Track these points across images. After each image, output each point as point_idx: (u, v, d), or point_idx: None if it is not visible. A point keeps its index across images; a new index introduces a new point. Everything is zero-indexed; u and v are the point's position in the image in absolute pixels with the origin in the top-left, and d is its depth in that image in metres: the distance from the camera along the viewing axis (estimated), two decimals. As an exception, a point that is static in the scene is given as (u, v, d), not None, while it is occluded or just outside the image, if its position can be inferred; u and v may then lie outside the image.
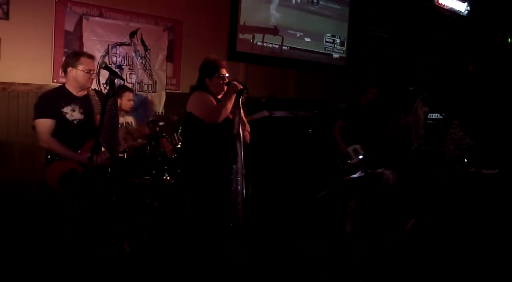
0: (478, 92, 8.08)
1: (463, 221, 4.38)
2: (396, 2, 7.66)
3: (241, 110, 3.28)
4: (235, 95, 3.25)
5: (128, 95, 4.17)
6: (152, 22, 4.95)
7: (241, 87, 3.26)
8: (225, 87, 3.37)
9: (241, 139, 3.25)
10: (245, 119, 3.41)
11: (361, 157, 4.53)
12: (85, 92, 3.39)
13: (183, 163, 3.52)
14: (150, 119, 3.90)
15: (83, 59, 3.29)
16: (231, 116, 3.31)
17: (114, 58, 4.66)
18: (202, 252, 3.27)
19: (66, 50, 4.31)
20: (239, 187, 3.17)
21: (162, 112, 4.62)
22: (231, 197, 3.18)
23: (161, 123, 4.27)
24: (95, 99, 3.43)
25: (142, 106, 4.87)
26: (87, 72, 3.29)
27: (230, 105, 3.22)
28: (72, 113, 3.29)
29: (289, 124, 5.78)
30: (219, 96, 3.38)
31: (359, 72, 7.38)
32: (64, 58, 3.70)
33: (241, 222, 3.20)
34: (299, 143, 5.81)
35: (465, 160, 4.95)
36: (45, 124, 3.20)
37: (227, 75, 3.40)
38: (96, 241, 3.13)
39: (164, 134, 4.20)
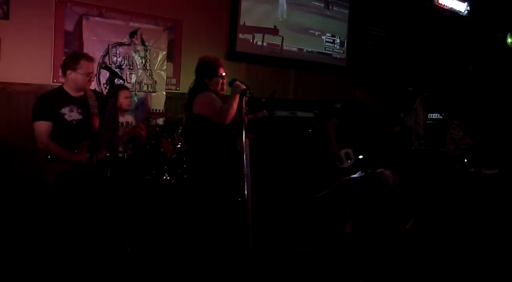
0: (478, 92, 8.08)
1: (463, 221, 4.38)
2: (396, 2, 7.66)
3: (243, 110, 3.28)
4: (239, 95, 3.25)
5: (124, 93, 4.17)
6: (152, 22, 4.95)
7: (244, 87, 3.27)
8: (225, 87, 3.37)
9: (246, 138, 3.25)
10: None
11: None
12: (82, 93, 3.39)
13: (192, 164, 3.52)
14: (145, 117, 3.92)
15: (82, 62, 3.29)
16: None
17: (114, 58, 4.66)
18: (206, 252, 3.28)
19: (66, 50, 4.32)
20: (246, 187, 3.16)
21: (158, 110, 4.64)
22: (239, 196, 3.18)
23: (157, 120, 4.28)
24: (92, 99, 3.43)
25: (142, 106, 4.88)
26: (86, 76, 3.29)
27: (235, 105, 3.23)
28: (71, 114, 3.29)
29: (289, 124, 5.78)
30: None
31: (359, 72, 7.39)
32: (64, 58, 3.69)
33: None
34: (299, 143, 5.81)
35: (465, 160, 4.94)
36: (42, 127, 3.21)
37: (224, 74, 3.42)
38: (96, 241, 3.13)
39: (164, 134, 4.20)
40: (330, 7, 6.86)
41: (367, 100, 4.64)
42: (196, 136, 3.43)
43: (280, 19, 6.21)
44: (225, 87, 3.45)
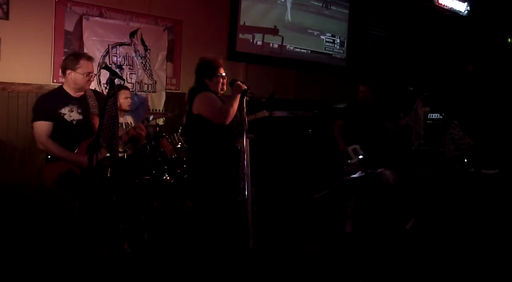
0: (478, 92, 8.07)
1: (463, 221, 4.38)
2: (396, 2, 7.66)
3: (244, 110, 3.28)
4: (239, 95, 3.25)
5: (124, 93, 4.17)
6: (152, 22, 4.96)
7: (245, 87, 3.27)
8: (225, 87, 3.38)
9: (247, 138, 3.24)
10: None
11: (360, 157, 4.53)
12: (82, 93, 3.39)
13: (192, 164, 3.52)
14: (146, 117, 3.93)
15: (82, 62, 3.28)
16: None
17: (114, 58, 4.66)
18: (206, 252, 3.28)
19: (66, 50, 4.32)
20: (246, 187, 3.15)
21: (158, 110, 4.64)
22: (239, 197, 3.17)
23: (157, 120, 4.29)
24: (92, 99, 3.43)
25: (142, 106, 4.88)
26: (86, 75, 3.29)
27: (236, 105, 3.24)
28: (70, 114, 3.29)
29: (289, 124, 5.78)
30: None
31: (359, 72, 7.38)
32: (63, 58, 3.69)
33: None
34: (299, 143, 5.81)
35: (465, 160, 4.94)
36: (42, 127, 3.21)
37: (224, 74, 3.42)
38: (96, 241, 3.13)
39: (164, 134, 4.20)
40: (328, 6, 6.85)
41: (370, 95, 4.64)
42: (196, 137, 3.43)
43: (282, 19, 6.21)
44: (225, 87, 3.45)
